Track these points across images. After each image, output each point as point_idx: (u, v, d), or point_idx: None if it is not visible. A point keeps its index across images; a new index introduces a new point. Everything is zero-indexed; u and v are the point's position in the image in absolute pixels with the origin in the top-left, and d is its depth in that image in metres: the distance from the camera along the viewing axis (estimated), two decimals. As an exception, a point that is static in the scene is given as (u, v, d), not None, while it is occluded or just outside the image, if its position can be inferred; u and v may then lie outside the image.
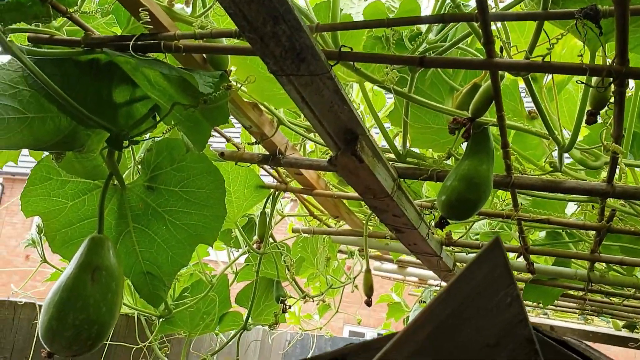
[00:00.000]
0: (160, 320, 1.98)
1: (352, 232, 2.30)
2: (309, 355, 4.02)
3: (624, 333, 3.95)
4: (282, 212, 2.31)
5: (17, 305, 2.01)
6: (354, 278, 2.83)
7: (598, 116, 1.06)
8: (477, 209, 1.28)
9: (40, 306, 1.52)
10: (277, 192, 2.02)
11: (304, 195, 2.22)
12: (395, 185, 1.53)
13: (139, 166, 1.55)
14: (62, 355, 1.34)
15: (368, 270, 1.88)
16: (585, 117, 1.07)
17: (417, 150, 1.72)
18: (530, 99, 1.46)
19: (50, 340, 1.28)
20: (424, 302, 4.26)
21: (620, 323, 3.90)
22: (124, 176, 1.58)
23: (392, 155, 1.54)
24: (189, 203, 1.55)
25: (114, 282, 1.34)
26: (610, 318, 3.84)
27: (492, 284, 0.62)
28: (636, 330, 3.81)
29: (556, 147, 1.40)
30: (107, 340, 2.02)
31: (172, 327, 2.16)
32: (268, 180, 2.05)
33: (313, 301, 2.60)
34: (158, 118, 1.38)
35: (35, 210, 1.51)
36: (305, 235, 2.38)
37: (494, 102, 1.17)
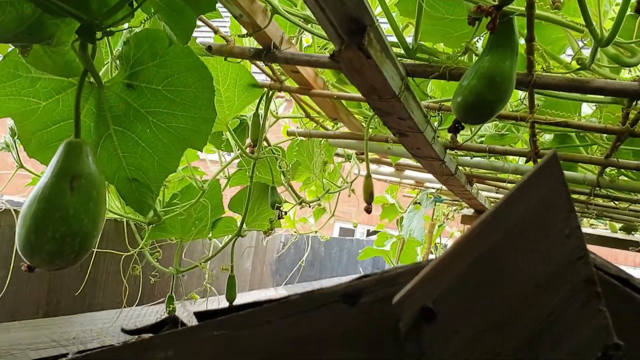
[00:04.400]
0: (150, 226, 1.89)
1: (350, 135, 2.17)
2: (304, 257, 4.00)
3: (620, 235, 3.94)
4: (277, 113, 2.17)
5: (-5, 212, 1.90)
6: (351, 182, 2.74)
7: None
8: (496, 112, 1.15)
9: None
10: (271, 92, 1.87)
11: (300, 96, 2.07)
12: (403, 85, 1.38)
13: (117, 61, 1.39)
14: (44, 270, 1.24)
15: (368, 176, 1.76)
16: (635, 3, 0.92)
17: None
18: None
19: (30, 255, 1.17)
20: (419, 203, 4.22)
21: (618, 225, 3.89)
22: (100, 73, 1.42)
23: (399, 50, 1.38)
24: (174, 104, 1.40)
25: (95, 190, 1.21)
26: (608, 220, 3.81)
27: (548, 211, 0.50)
28: (633, 232, 3.79)
29: (583, 41, 1.25)
30: (95, 248, 1.93)
31: (163, 233, 2.08)
32: (261, 78, 1.89)
33: (310, 207, 2.51)
34: (135, 4, 1.20)
35: (5, 111, 1.36)
36: (301, 138, 2.25)
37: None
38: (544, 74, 1.28)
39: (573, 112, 1.79)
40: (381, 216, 5.12)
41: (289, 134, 2.32)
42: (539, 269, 0.50)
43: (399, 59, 1.39)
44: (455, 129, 1.22)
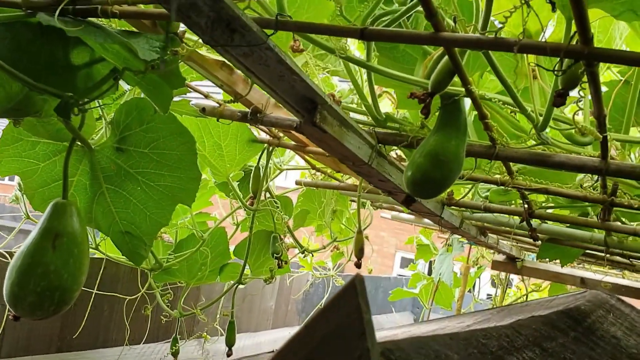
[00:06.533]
0: (152, 272, 2.00)
1: (353, 187, 2.22)
2: (323, 300, 4.02)
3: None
4: (281, 165, 2.25)
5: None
6: (364, 229, 2.77)
7: (567, 97, 0.92)
8: (444, 188, 1.18)
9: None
10: (271, 147, 1.95)
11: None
12: (374, 153, 1.43)
13: (110, 127, 1.51)
14: (27, 319, 1.35)
15: (360, 232, 1.81)
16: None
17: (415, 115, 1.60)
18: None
19: (14, 305, 1.29)
20: (451, 245, 4.18)
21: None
22: (97, 137, 1.54)
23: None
24: (160, 165, 1.51)
25: (76, 248, 1.32)
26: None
27: (345, 332, 0.54)
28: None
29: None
30: (107, 291, 2.04)
31: (170, 276, 2.18)
32: (264, 134, 1.98)
33: (313, 255, 2.57)
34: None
35: (10, 170, 1.50)
36: (310, 187, 2.32)
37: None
38: (506, 147, 1.30)
39: (572, 177, 1.76)
40: (416, 256, 5.08)
41: (296, 183, 2.39)
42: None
43: (372, 127, 1.45)
44: (407, 202, 1.25)
